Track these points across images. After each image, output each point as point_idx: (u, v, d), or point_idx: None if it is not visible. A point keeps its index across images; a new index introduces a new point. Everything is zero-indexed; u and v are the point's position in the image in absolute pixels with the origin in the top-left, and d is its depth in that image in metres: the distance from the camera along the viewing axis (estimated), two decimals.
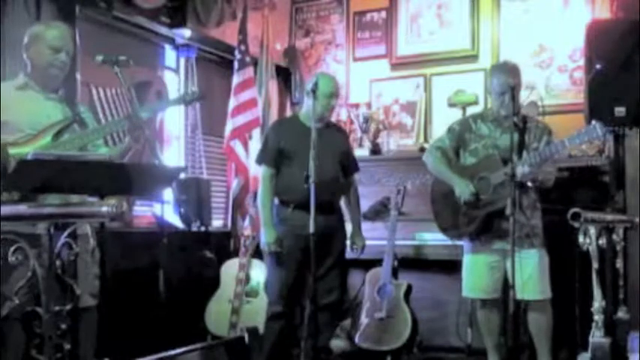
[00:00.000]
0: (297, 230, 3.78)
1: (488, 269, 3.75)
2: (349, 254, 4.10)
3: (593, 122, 3.40)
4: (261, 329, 4.14)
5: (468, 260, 3.86)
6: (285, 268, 3.88)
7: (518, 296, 3.52)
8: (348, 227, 4.12)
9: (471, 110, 5.06)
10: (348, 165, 4.08)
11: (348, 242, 4.08)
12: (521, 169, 3.49)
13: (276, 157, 3.90)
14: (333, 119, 5.76)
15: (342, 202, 4.12)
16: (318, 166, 3.46)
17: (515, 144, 3.55)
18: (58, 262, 2.43)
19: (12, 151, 2.80)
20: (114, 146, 3.44)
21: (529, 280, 3.63)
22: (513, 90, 3.54)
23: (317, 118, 3.87)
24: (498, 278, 3.74)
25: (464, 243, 3.89)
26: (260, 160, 4.01)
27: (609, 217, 3.85)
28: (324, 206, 3.59)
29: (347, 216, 4.15)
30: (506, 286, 3.63)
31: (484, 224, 3.70)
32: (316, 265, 3.51)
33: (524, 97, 4.53)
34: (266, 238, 3.84)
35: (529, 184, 3.64)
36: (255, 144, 5.08)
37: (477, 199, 3.70)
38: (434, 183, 4.00)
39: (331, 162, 3.89)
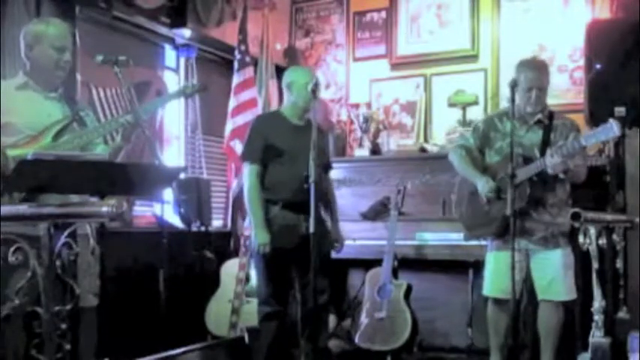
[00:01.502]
0: (285, 230, 3.74)
1: (510, 269, 3.70)
2: (332, 254, 4.02)
3: (610, 121, 3.29)
4: None
5: (490, 259, 3.79)
6: (273, 268, 3.81)
7: (543, 297, 3.55)
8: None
9: (471, 110, 5.08)
10: (327, 163, 4.02)
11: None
12: (551, 160, 3.43)
13: (263, 153, 3.80)
14: (334, 119, 5.82)
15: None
16: (306, 166, 3.39)
17: (538, 142, 3.56)
18: (58, 262, 2.43)
19: (13, 152, 2.78)
20: (112, 143, 3.42)
21: (553, 281, 3.60)
22: (514, 88, 3.50)
23: (300, 113, 3.86)
24: (519, 279, 3.61)
25: (488, 242, 3.85)
26: (246, 157, 3.89)
27: (609, 217, 3.85)
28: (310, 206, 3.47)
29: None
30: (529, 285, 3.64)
31: (506, 224, 3.64)
32: (306, 267, 3.47)
33: None
34: (259, 239, 3.73)
35: (561, 176, 3.54)
36: None
37: (499, 196, 3.65)
38: (460, 183, 3.95)
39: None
